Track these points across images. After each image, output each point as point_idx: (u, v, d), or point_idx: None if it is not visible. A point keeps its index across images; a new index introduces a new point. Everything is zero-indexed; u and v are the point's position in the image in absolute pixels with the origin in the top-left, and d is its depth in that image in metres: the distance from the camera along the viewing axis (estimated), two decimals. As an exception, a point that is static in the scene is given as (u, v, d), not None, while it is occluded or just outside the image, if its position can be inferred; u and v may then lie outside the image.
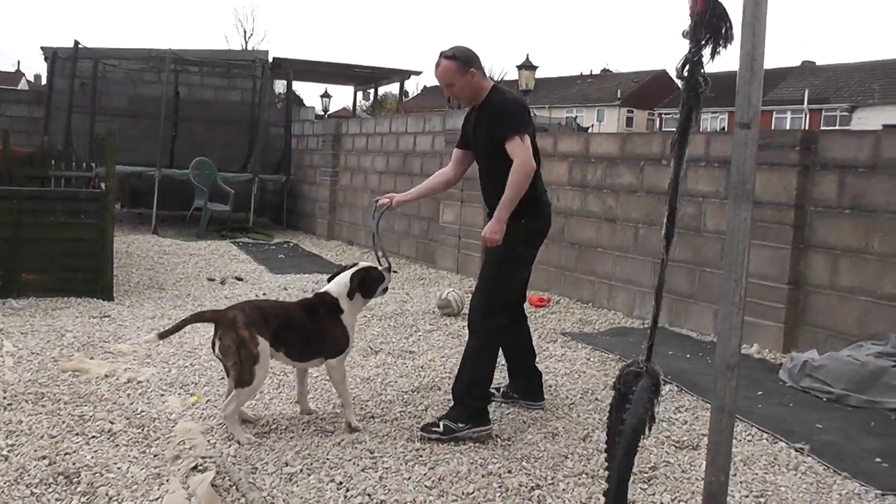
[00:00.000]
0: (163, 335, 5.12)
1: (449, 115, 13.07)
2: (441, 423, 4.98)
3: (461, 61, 5.15)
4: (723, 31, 3.04)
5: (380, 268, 5.32)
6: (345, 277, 5.18)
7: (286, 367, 6.36)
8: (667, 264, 3.30)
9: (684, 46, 3.11)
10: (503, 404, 5.71)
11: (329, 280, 5.33)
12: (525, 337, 5.76)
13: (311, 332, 5.04)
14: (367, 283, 5.19)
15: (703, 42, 3.06)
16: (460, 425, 4.94)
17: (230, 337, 4.77)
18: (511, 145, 4.93)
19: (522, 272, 5.37)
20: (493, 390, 5.72)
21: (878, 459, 4.93)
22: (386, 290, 5.40)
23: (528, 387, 5.72)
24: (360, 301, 5.24)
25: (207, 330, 7.47)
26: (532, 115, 5.21)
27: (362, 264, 5.30)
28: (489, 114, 5.15)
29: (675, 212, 3.23)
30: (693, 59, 3.08)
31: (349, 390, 5.39)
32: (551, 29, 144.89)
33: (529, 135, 5.00)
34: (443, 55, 5.19)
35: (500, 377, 6.08)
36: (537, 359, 5.89)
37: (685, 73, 3.10)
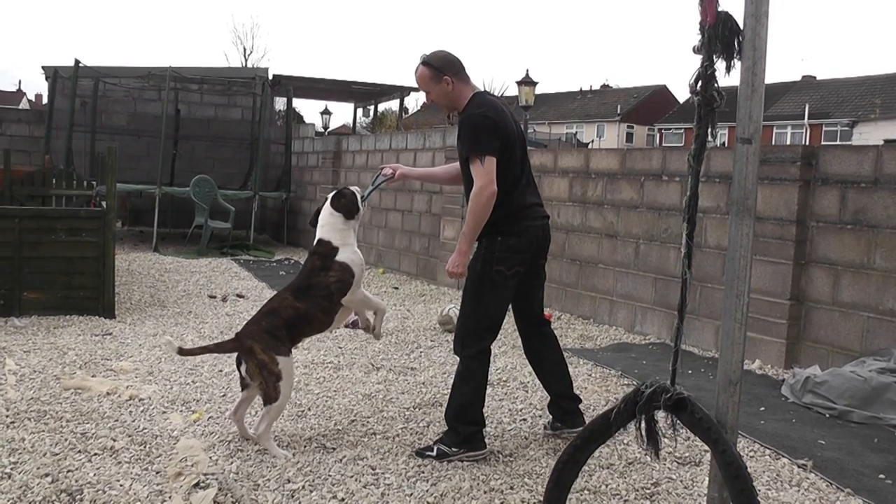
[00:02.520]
0: (183, 352, 5.23)
1: (449, 132, 13.08)
2: (435, 447, 4.94)
3: (434, 68, 5.00)
4: (735, 45, 3.04)
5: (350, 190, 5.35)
6: (327, 213, 5.23)
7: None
8: (689, 284, 3.26)
9: (691, 62, 3.12)
10: (512, 423, 5.71)
11: (312, 224, 5.36)
12: (550, 358, 5.46)
13: (309, 312, 5.09)
14: (349, 202, 5.23)
15: (715, 56, 3.05)
16: (454, 450, 4.89)
17: (252, 363, 4.94)
18: (472, 168, 4.81)
19: (505, 293, 5.06)
20: (546, 424, 5.62)
21: (881, 476, 4.92)
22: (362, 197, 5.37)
23: (561, 414, 5.47)
24: (352, 225, 5.25)
25: (209, 347, 7.49)
26: (495, 128, 4.83)
27: (329, 198, 5.31)
28: (459, 127, 5.02)
29: (695, 227, 3.22)
30: (707, 74, 3.08)
31: (375, 301, 5.48)
32: (551, 45, 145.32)
33: (492, 154, 4.76)
34: (420, 60, 5.09)
35: (543, 411, 6.04)
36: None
37: (699, 88, 3.10)
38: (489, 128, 4.82)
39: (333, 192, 5.30)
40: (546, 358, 5.46)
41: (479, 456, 4.93)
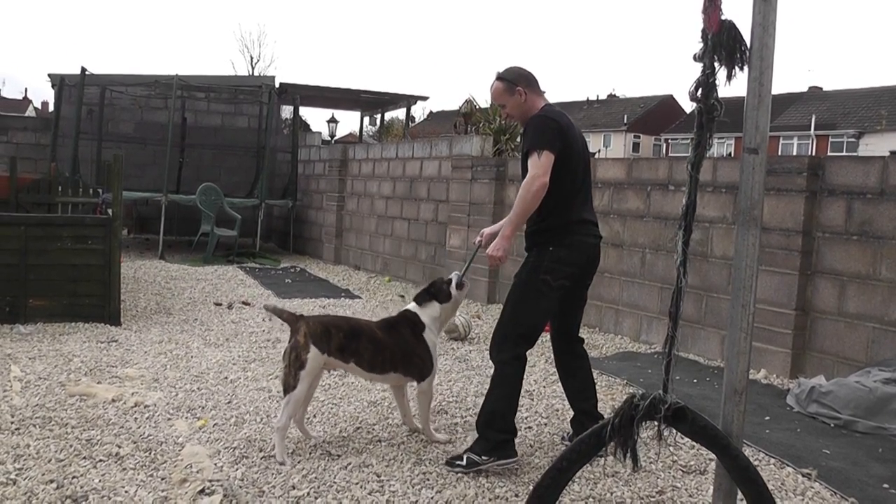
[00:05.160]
0: (269, 308, 5.33)
1: (456, 141, 13.11)
2: (465, 456, 4.85)
3: (508, 81, 5.13)
4: (737, 54, 3.04)
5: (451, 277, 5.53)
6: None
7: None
8: (684, 293, 3.24)
9: (694, 71, 3.11)
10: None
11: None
12: (580, 377, 5.43)
13: (385, 342, 5.17)
14: (436, 289, 5.41)
15: (717, 65, 3.05)
16: (484, 458, 4.80)
17: (290, 341, 5.01)
18: (529, 160, 4.85)
19: (547, 303, 5.05)
20: (564, 435, 5.63)
21: (885, 486, 4.92)
22: (462, 285, 5.45)
23: (582, 431, 5.35)
24: (438, 310, 5.38)
25: (214, 354, 7.51)
26: (559, 130, 4.91)
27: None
28: (524, 129, 5.10)
29: (691, 235, 3.21)
30: (707, 82, 3.07)
31: (430, 413, 5.49)
32: (558, 54, 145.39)
33: (551, 150, 4.80)
34: (495, 76, 5.22)
35: (549, 419, 6.07)
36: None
37: (699, 96, 3.09)
38: (553, 129, 4.91)
39: (426, 287, 5.53)
40: (576, 376, 5.44)
41: (510, 464, 4.86)
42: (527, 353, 5.06)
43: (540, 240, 4.99)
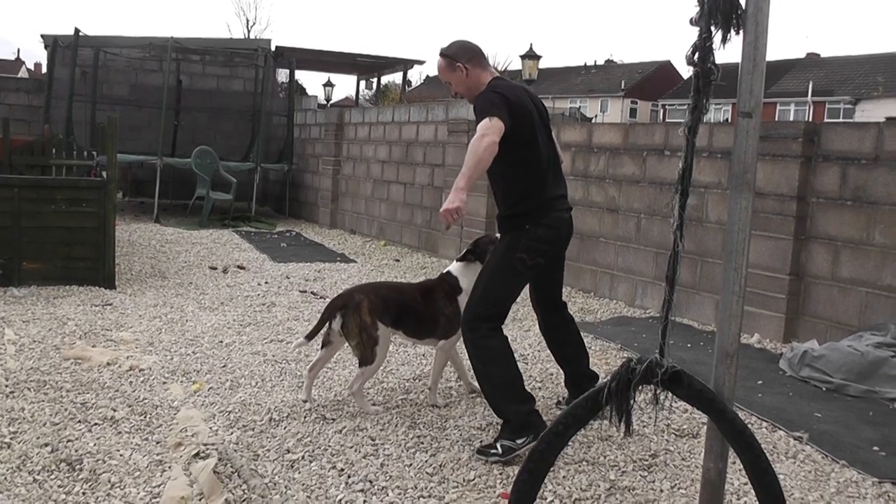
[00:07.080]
0: (309, 336, 5.34)
1: (452, 105, 13.06)
2: (498, 444, 4.55)
3: (448, 57, 4.94)
4: (733, 17, 3.02)
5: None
6: (463, 262, 5.44)
7: (288, 356, 6.40)
8: (681, 256, 3.21)
9: (691, 35, 3.09)
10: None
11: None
12: (572, 342, 5.39)
13: (426, 313, 5.29)
14: (480, 249, 5.36)
15: (713, 28, 3.03)
16: (518, 441, 4.52)
17: (354, 320, 5.08)
18: (479, 126, 4.57)
19: (520, 282, 4.94)
20: (560, 398, 5.63)
21: (875, 448, 4.95)
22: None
23: (580, 393, 5.21)
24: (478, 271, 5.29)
25: (209, 318, 7.51)
26: (506, 102, 4.63)
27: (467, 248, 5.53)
28: (474, 111, 4.86)
29: (687, 199, 3.18)
30: (704, 46, 3.05)
31: (440, 375, 5.59)
32: (555, 19, 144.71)
33: (499, 117, 4.50)
34: (439, 52, 5.03)
35: (543, 383, 6.10)
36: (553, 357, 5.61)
37: (696, 60, 3.07)
38: (498, 101, 4.64)
39: (471, 243, 5.50)
40: (568, 342, 5.40)
41: None
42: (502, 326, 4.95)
43: (517, 222, 4.85)
